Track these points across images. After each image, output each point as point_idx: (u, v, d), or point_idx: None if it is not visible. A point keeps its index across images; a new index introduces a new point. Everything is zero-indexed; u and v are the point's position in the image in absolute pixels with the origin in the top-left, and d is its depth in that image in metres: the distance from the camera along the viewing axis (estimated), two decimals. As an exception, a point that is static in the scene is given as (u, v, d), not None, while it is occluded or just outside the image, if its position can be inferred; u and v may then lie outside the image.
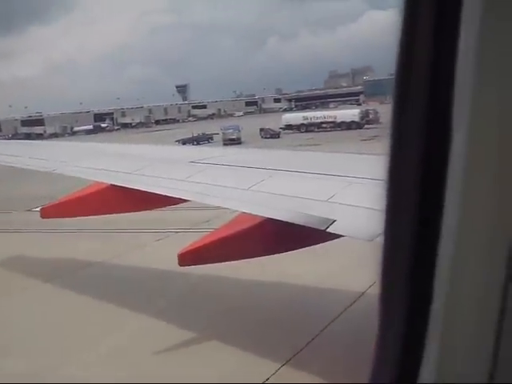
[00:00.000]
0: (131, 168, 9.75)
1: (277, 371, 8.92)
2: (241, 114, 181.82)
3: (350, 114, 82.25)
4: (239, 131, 69.23)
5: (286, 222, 6.42)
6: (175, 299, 12.71)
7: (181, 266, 7.32)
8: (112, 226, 18.40)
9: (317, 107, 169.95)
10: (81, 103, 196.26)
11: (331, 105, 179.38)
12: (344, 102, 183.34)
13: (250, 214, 7.14)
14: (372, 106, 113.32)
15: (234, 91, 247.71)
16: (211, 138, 73.14)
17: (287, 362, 9.20)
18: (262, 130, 75.24)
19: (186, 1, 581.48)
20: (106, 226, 18.20)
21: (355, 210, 6.08)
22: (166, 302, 12.52)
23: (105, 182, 9.67)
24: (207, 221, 14.18)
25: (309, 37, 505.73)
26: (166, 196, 8.39)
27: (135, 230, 19.52)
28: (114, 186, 9.41)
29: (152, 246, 17.83)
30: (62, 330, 11.88)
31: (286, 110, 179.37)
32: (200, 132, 74.89)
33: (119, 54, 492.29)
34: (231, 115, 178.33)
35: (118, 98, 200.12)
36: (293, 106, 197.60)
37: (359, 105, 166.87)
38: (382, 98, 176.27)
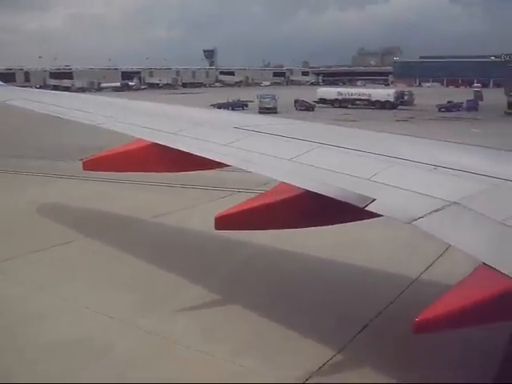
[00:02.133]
0: (174, 128, 9.75)
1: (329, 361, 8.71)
2: (268, 83, 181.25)
3: (385, 93, 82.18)
4: (275, 100, 69.29)
5: (325, 196, 6.37)
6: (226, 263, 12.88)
7: (216, 229, 7.30)
8: (172, 181, 18.77)
9: (344, 83, 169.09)
10: (109, 59, 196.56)
11: (359, 82, 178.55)
12: (372, 81, 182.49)
13: (289, 185, 7.10)
14: (400, 87, 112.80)
15: (263, 60, 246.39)
16: (246, 105, 73.24)
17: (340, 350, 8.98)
18: (296, 101, 75.24)
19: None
20: (164, 180, 18.57)
21: (396, 190, 6.07)
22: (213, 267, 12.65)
23: (148, 139, 9.62)
24: (265, 183, 14.40)
25: (338, 12, 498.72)
26: (207, 159, 8.36)
27: (198, 187, 19.99)
28: (156, 144, 9.36)
29: (218, 202, 18.19)
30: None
31: (313, 84, 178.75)
32: (235, 98, 75.08)
33: (146, 13, 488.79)
34: (258, 84, 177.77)
35: (147, 58, 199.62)
36: (320, 81, 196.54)
37: (387, 85, 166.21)
38: (411, 81, 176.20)
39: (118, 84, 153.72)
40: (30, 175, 24.42)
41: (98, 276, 12.19)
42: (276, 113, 64.20)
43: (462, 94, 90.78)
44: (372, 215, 6.05)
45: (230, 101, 72.59)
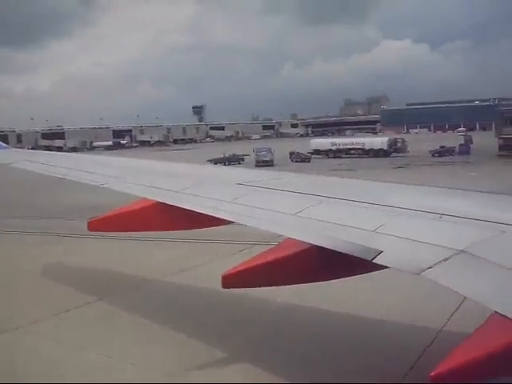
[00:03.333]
0: (178, 186, 9.87)
1: None
2: (258, 137, 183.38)
3: (379, 141, 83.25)
4: (272, 153, 69.98)
5: (332, 250, 6.30)
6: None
7: (224, 288, 7.25)
8: (187, 236, 18.68)
9: (333, 134, 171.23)
10: (101, 119, 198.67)
11: (347, 132, 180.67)
12: (360, 130, 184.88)
13: (295, 240, 7.03)
14: (389, 135, 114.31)
15: (252, 114, 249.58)
16: (242, 160, 74.06)
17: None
18: (291, 153, 75.97)
19: (204, 22, 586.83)
20: (179, 236, 18.53)
21: (402, 241, 6.03)
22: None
23: (152, 199, 9.72)
24: (280, 235, 14.42)
25: (323, 64, 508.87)
26: (212, 216, 8.43)
27: (214, 241, 19.90)
28: (161, 203, 9.47)
29: (240, 254, 18.11)
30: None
31: (302, 136, 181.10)
32: (231, 153, 75.79)
33: (135, 72, 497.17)
34: (248, 138, 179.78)
35: (138, 116, 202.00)
36: (309, 132, 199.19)
37: (375, 133, 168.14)
38: (398, 128, 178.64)
39: (110, 143, 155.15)
40: (39, 235, 24.59)
41: (130, 333, 12.40)
42: (273, 165, 64.76)
43: (450, 139, 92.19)
44: (380, 267, 6.04)
45: (226, 155, 73.23)
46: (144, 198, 9.91)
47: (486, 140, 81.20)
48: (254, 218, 7.96)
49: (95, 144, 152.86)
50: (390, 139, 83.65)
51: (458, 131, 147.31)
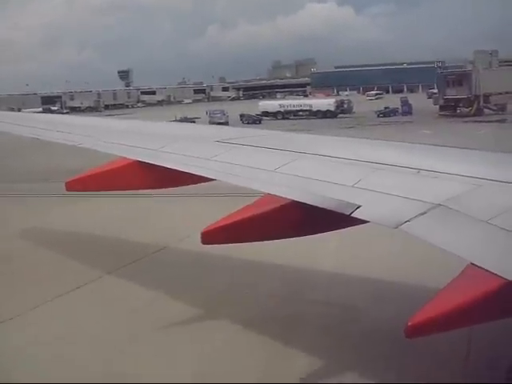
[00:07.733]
0: (156, 145, 9.75)
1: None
2: (190, 101, 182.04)
3: (326, 103, 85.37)
4: (226, 116, 71.13)
5: (311, 206, 6.41)
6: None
7: (203, 244, 7.31)
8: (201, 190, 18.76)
9: (264, 97, 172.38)
10: (27, 85, 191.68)
11: (278, 95, 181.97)
12: (290, 93, 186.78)
13: (275, 196, 7.05)
14: (319, 97, 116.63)
15: (183, 78, 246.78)
16: (194, 122, 73.93)
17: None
18: (242, 115, 76.86)
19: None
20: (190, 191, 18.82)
21: (381, 196, 6.11)
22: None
23: (131, 157, 9.60)
24: None
25: (249, 26, 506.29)
26: (191, 174, 8.47)
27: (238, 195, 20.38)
28: (139, 162, 9.40)
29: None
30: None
31: (234, 99, 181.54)
32: (182, 115, 75.73)
33: (55, 36, 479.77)
34: (180, 102, 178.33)
35: (67, 81, 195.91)
36: (240, 95, 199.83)
37: (306, 96, 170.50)
38: (329, 90, 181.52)
39: (40, 109, 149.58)
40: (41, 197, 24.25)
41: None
42: (228, 127, 65.46)
43: (385, 100, 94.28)
44: (358, 222, 6.12)
45: (177, 118, 73.17)
46: (121, 157, 9.77)
47: (419, 102, 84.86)
48: (233, 175, 7.99)
49: (24, 111, 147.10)
50: (336, 101, 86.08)
51: (368, 95, 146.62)
